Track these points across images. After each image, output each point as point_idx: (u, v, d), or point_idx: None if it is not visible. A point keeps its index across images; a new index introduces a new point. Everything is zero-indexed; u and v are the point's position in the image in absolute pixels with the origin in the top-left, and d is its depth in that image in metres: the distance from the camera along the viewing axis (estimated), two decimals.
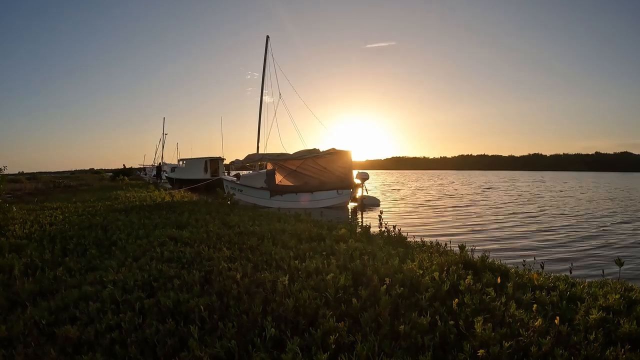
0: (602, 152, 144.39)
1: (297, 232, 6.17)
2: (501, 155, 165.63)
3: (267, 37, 19.90)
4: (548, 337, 2.41)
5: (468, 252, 4.62)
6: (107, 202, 12.35)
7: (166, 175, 35.05)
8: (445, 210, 16.74)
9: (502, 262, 4.60)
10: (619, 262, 4.09)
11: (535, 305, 2.90)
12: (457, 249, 4.81)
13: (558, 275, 4.10)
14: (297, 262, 4.14)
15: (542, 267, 4.26)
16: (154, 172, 53.16)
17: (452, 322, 2.60)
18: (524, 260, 5.03)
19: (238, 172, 20.93)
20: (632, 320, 2.70)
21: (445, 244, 5.70)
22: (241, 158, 20.18)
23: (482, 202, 20.71)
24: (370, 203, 17.91)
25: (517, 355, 2.33)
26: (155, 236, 5.84)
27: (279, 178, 19.02)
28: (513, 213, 15.49)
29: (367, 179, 17.83)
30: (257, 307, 2.82)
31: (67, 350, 2.53)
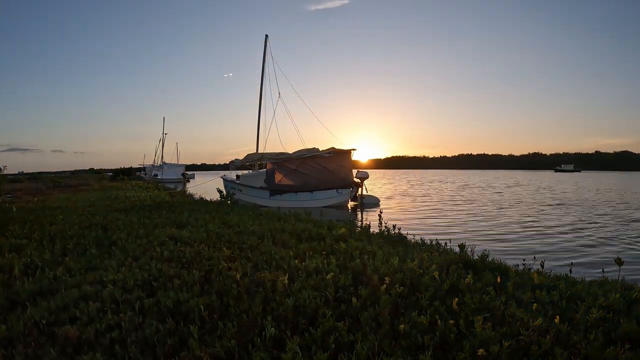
0: (602, 152, 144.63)
1: (297, 231, 6.17)
2: (501, 155, 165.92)
3: (266, 35, 19.92)
4: (548, 337, 2.41)
5: (468, 252, 4.62)
6: (107, 202, 12.35)
7: None
8: (449, 210, 16.74)
9: (501, 261, 4.60)
10: (619, 262, 4.09)
11: (535, 305, 2.89)
12: (457, 248, 4.81)
13: (558, 274, 4.10)
14: (297, 261, 4.14)
15: (542, 266, 4.26)
16: (154, 173, 53.01)
17: (452, 322, 2.60)
18: (524, 260, 5.03)
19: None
20: (632, 319, 2.70)
21: (445, 243, 5.70)
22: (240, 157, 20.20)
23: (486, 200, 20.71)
24: (370, 202, 17.93)
25: (517, 354, 2.33)
26: (155, 236, 5.84)
27: (278, 177, 19.02)
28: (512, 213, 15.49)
29: (367, 178, 17.87)
30: (257, 307, 2.82)
31: (67, 350, 2.53)
